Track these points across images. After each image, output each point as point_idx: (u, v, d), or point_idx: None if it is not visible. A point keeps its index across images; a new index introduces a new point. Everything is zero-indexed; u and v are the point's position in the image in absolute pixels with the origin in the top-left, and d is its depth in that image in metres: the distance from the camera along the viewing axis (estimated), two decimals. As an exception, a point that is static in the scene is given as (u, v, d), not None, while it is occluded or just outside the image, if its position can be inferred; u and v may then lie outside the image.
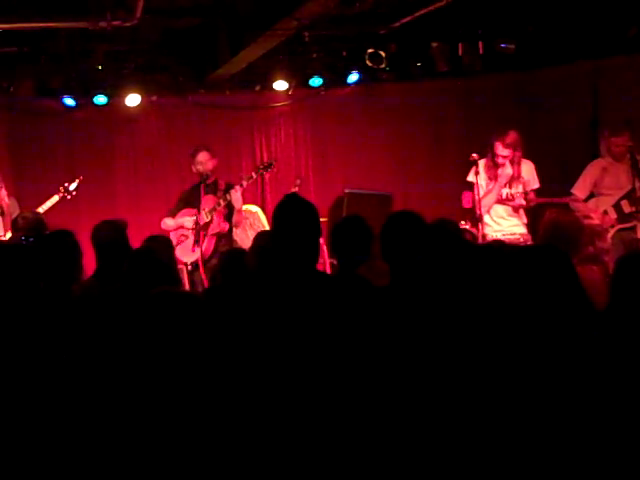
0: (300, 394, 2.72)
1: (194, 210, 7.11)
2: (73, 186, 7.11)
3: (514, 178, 6.93)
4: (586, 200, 6.99)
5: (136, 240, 5.10)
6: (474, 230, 6.51)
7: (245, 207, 7.51)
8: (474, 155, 6.91)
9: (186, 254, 7.05)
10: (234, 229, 7.24)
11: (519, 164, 6.93)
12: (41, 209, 6.81)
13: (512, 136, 6.84)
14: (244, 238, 7.43)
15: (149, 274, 3.08)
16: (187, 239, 7.11)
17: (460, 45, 8.08)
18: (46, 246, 3.46)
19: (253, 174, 7.20)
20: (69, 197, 7.11)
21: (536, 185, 6.97)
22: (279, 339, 2.93)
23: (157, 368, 2.55)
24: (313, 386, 2.74)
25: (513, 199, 6.88)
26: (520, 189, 6.91)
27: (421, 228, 3.50)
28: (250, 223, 7.85)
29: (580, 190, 6.98)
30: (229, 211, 7.10)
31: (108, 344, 2.77)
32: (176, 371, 2.54)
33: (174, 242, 7.05)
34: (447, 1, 6.57)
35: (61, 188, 7.07)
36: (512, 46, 7.93)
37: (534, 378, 2.63)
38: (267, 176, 7.79)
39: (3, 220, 6.63)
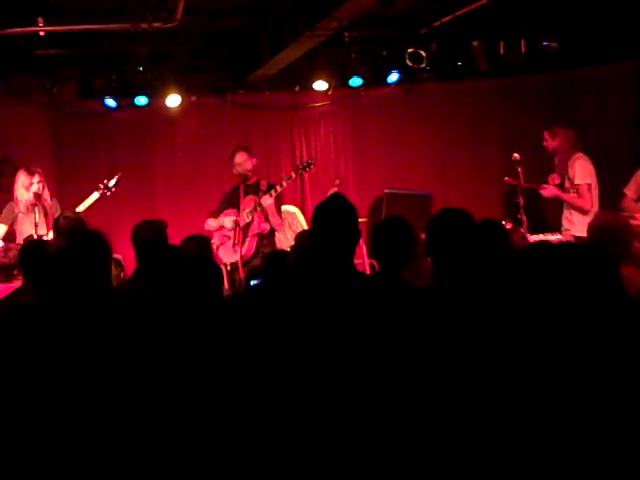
0: (338, 393, 2.70)
1: (235, 210, 7.15)
2: (112, 182, 7.14)
3: (562, 173, 7.03)
4: (638, 200, 6.89)
5: (175, 240, 5.13)
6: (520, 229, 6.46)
7: (283, 208, 7.51)
8: (516, 155, 6.85)
9: (228, 254, 7.07)
10: (276, 233, 7.25)
11: (566, 159, 6.98)
12: (82, 207, 6.86)
13: (557, 128, 7.03)
14: (282, 239, 7.43)
15: (177, 273, 3.08)
16: (229, 240, 7.14)
17: (501, 44, 7.98)
18: (76, 247, 3.48)
19: (293, 174, 7.19)
20: (109, 194, 7.14)
21: (579, 182, 6.92)
22: (316, 339, 2.92)
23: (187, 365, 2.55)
24: (350, 385, 2.73)
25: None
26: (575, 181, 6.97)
27: (470, 227, 3.45)
28: (289, 223, 7.85)
29: (631, 190, 6.89)
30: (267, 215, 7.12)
31: (135, 343, 2.78)
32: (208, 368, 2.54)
33: (217, 243, 7.10)
34: (488, -1, 6.50)
35: (100, 185, 7.11)
36: (555, 44, 7.82)
37: (574, 383, 2.59)
38: (306, 176, 7.78)
39: (46, 220, 6.70)
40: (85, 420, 2.58)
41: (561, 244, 3.54)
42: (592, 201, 6.86)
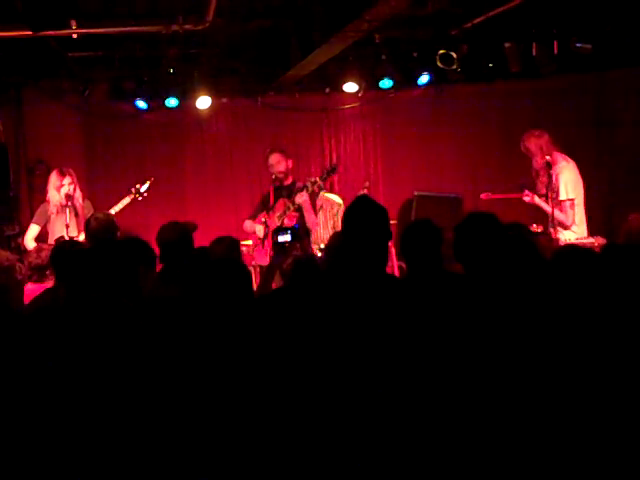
0: (366, 394, 2.69)
1: (265, 213, 7.13)
2: (144, 187, 7.16)
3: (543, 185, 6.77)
4: None
5: (204, 241, 5.13)
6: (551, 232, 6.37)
7: (331, 197, 7.52)
8: (547, 157, 6.77)
9: (262, 257, 7.07)
10: (311, 231, 7.20)
11: (545, 166, 6.71)
12: (113, 210, 6.88)
13: (528, 133, 6.82)
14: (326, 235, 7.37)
15: (204, 276, 3.08)
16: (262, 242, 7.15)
17: (534, 45, 7.91)
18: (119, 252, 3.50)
19: (318, 179, 7.19)
20: (140, 198, 7.16)
21: (563, 197, 6.63)
22: (345, 340, 2.90)
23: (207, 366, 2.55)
24: (379, 386, 2.71)
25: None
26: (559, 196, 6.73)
27: (498, 231, 3.41)
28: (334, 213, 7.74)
29: None
30: (301, 214, 7.10)
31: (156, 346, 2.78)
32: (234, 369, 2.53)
33: (253, 244, 7.12)
34: (521, 0, 6.43)
35: (132, 189, 7.13)
36: (588, 46, 7.72)
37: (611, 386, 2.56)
38: (336, 178, 7.77)
39: (77, 221, 6.74)
40: (109, 419, 2.59)
41: (606, 247, 3.50)
42: (573, 217, 6.62)
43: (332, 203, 7.66)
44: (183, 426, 2.53)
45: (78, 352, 2.77)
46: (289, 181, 7.22)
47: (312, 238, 7.20)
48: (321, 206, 7.35)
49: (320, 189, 7.08)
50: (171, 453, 2.52)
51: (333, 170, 7.24)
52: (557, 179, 6.67)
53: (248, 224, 7.32)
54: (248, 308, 3.13)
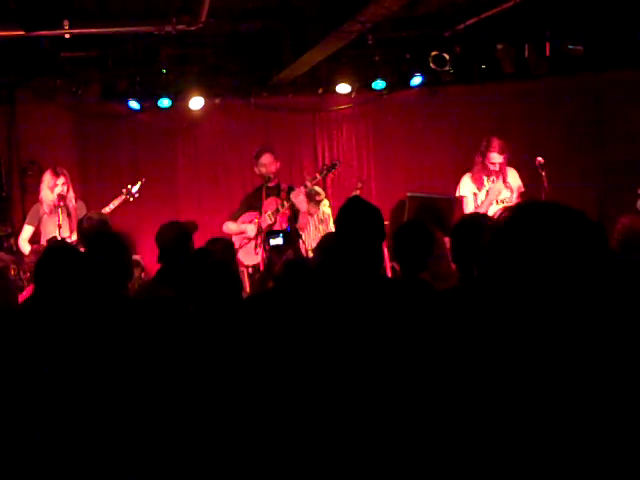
0: (361, 397, 2.69)
1: (256, 213, 7.11)
2: (135, 188, 7.15)
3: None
4: None
5: (198, 242, 5.13)
6: None
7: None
8: (539, 159, 6.80)
9: (249, 257, 7.05)
10: (301, 232, 7.21)
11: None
12: (103, 211, 6.87)
13: (503, 142, 7.00)
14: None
15: (205, 276, 3.07)
16: (250, 242, 7.12)
17: (526, 47, 7.93)
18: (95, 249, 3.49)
19: (317, 175, 7.18)
20: (132, 199, 7.15)
21: (522, 187, 7.07)
22: (338, 342, 2.90)
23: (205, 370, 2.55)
24: (375, 388, 2.71)
25: None
26: (508, 194, 6.99)
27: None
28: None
29: None
30: (293, 213, 7.10)
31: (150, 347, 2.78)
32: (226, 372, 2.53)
33: (237, 245, 7.08)
34: (514, 2, 6.45)
35: (124, 190, 7.12)
36: (580, 48, 7.75)
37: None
38: (329, 179, 7.77)
39: (70, 222, 6.73)
40: (97, 423, 2.59)
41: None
42: None
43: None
44: (177, 425, 2.53)
45: (72, 353, 2.77)
46: (274, 182, 7.21)
47: (303, 239, 7.21)
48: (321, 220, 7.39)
49: (313, 180, 7.08)
50: (164, 454, 2.52)
51: (333, 166, 7.23)
52: (513, 177, 7.06)
53: (232, 225, 7.28)
54: (237, 308, 3.13)
